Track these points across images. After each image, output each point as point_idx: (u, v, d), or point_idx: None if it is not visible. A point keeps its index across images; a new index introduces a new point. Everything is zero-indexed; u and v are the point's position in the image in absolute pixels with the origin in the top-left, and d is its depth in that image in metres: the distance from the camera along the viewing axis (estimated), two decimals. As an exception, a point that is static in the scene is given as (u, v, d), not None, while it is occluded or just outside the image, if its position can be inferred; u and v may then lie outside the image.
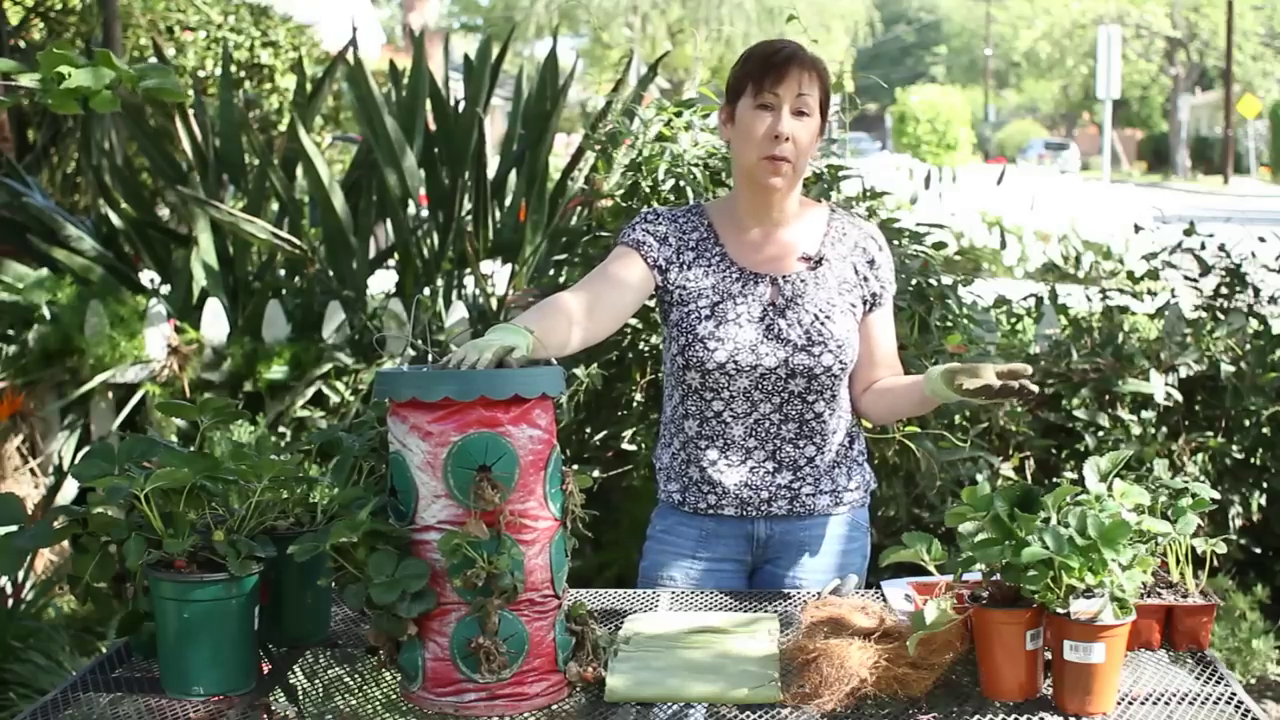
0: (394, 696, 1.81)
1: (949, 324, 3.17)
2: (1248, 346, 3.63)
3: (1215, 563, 2.10)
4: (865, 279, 2.33)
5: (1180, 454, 3.52)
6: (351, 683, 1.88)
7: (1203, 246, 3.81)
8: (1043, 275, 6.68)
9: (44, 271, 4.47)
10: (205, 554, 1.80)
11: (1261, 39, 37.92)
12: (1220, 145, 35.00)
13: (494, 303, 4.19)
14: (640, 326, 3.21)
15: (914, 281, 3.13)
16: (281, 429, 4.04)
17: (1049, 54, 41.96)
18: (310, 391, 4.11)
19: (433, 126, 4.66)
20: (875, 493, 2.78)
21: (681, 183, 3.03)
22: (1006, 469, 3.31)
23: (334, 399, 4.09)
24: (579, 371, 2.95)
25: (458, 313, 4.16)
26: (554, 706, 1.77)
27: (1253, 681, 3.47)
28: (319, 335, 4.22)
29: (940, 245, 3.26)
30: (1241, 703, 1.73)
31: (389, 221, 4.73)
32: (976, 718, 1.70)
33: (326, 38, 9.32)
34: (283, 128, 6.90)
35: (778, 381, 2.25)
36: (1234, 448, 3.57)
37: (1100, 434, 3.51)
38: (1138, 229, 4.17)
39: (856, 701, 1.73)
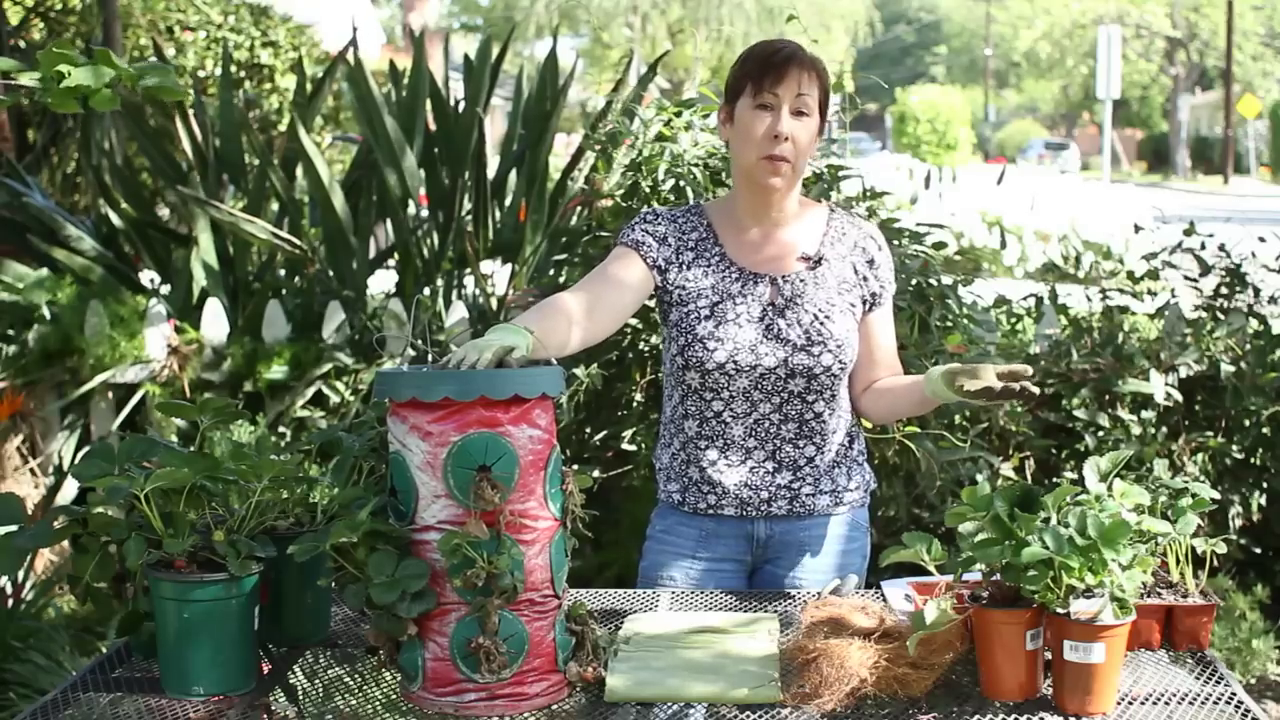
0: (394, 696, 1.81)
1: (949, 324, 3.17)
2: (1248, 346, 3.63)
3: (1215, 563, 2.10)
4: (865, 279, 2.33)
5: (1180, 454, 3.52)
6: (351, 683, 1.88)
7: (1203, 246, 3.81)
8: (1043, 275, 6.69)
9: (44, 271, 4.47)
10: (205, 554, 1.80)
11: (1261, 39, 37.92)
12: (1220, 145, 35.01)
13: (494, 303, 4.19)
14: (640, 326, 3.21)
15: (914, 281, 3.12)
16: (281, 429, 4.05)
17: (1049, 54, 41.96)
18: (310, 391, 4.11)
19: (433, 126, 4.66)
20: (875, 493, 2.78)
21: (681, 183, 3.03)
22: (1006, 469, 3.31)
23: (334, 399, 4.09)
24: (579, 371, 2.95)
25: (458, 313, 4.16)
26: (554, 706, 1.77)
27: (1253, 681, 3.47)
28: (319, 335, 4.22)
29: (940, 245, 3.26)
30: (1241, 703, 1.73)
31: (389, 221, 4.73)
32: (976, 718, 1.70)
33: (326, 38, 9.33)
34: (283, 128, 6.90)
35: (777, 381, 2.25)
36: (1234, 448, 3.57)
37: (1100, 434, 3.51)
38: (1138, 229, 4.18)
39: (856, 701, 1.73)
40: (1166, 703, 1.74)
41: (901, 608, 2.03)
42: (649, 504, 2.49)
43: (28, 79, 1.91)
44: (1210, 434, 3.57)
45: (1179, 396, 3.50)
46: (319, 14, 10.58)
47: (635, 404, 3.33)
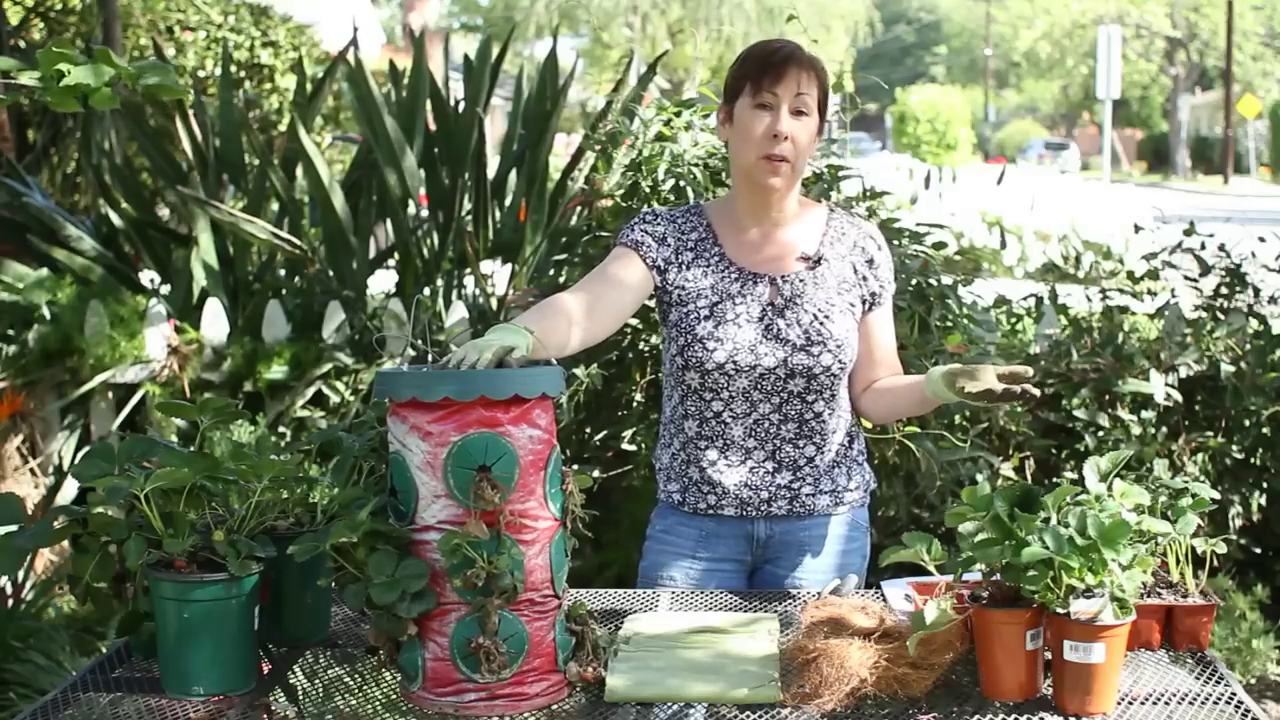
0: (394, 696, 1.81)
1: (949, 324, 3.17)
2: (1248, 346, 3.63)
3: (1215, 563, 2.10)
4: (864, 278, 2.33)
5: (1180, 454, 3.52)
6: (351, 683, 1.88)
7: (1203, 246, 3.81)
8: (1043, 275, 6.69)
9: (44, 271, 4.47)
10: (205, 554, 1.80)
11: (1261, 39, 37.92)
12: (1220, 145, 35.00)
13: (494, 303, 4.19)
14: (640, 326, 3.21)
15: (914, 281, 3.12)
16: (281, 429, 4.04)
17: (1049, 54, 41.96)
18: (310, 391, 4.11)
19: (433, 126, 4.66)
20: (875, 493, 2.78)
21: (681, 183, 3.03)
22: (1006, 469, 3.31)
23: (334, 399, 4.09)
24: (579, 371, 2.94)
25: (458, 313, 4.16)
26: (554, 706, 1.77)
27: (1253, 681, 3.47)
28: (319, 335, 4.22)
29: (940, 245, 3.26)
30: (1241, 703, 1.73)
31: (389, 221, 4.73)
32: (976, 718, 1.70)
33: (326, 38, 9.33)
34: (283, 128, 6.90)
35: (777, 381, 2.25)
36: (1234, 448, 3.57)
37: (1100, 434, 3.51)
38: (1138, 229, 4.17)
39: (856, 701, 1.73)
40: (1166, 703, 1.74)
41: (901, 608, 2.03)
42: (649, 504, 2.49)
43: (28, 78, 1.91)
44: (1210, 434, 3.57)
45: (1179, 396, 3.50)
46: (319, 14, 10.59)
47: (635, 404, 3.33)
